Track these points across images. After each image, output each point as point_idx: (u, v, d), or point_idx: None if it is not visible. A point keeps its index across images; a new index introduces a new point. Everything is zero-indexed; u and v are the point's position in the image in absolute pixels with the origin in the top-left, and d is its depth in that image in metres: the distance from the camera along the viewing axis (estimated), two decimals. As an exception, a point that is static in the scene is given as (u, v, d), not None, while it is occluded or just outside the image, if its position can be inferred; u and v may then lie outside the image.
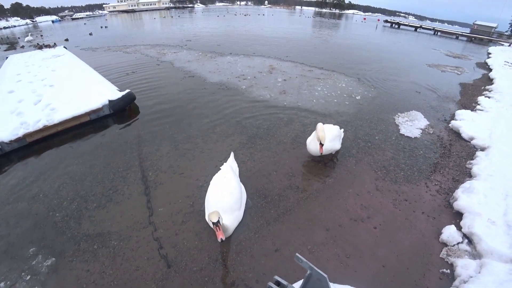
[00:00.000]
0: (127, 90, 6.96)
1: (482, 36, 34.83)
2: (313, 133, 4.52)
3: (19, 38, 25.81)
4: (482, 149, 5.31)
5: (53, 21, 56.17)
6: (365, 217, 3.62)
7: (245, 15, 54.59)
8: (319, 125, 4.09)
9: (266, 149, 5.15)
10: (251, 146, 5.23)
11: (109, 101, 6.56)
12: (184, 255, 3.05)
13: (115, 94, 6.83)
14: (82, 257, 3.05)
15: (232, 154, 4.02)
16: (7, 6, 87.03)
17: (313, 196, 3.98)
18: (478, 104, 7.83)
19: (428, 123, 6.55)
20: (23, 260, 3.04)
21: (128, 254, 3.06)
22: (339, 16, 74.01)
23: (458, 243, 3.22)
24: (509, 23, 56.48)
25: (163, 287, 2.72)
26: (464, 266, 2.88)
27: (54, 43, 18.11)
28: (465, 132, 5.92)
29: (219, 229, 2.48)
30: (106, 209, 3.74)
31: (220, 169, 3.67)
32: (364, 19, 72.78)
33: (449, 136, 5.99)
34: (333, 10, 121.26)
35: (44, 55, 12.49)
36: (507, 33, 47.79)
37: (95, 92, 7.01)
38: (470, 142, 5.70)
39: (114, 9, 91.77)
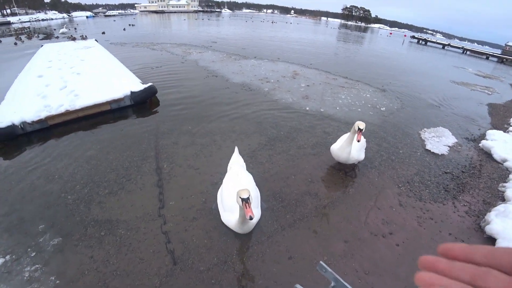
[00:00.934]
0: (150, 83, 7.02)
1: None
2: (339, 140, 4.35)
3: (54, 29, 27.11)
4: None
5: (87, 17, 58.94)
6: (386, 232, 3.36)
7: (272, 22, 55.43)
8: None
9: (285, 152, 4.98)
10: (270, 148, 5.08)
11: (131, 92, 6.62)
12: (192, 252, 2.91)
13: (138, 86, 6.90)
14: (88, 242, 2.97)
15: (236, 149, 3.85)
16: (47, 0, 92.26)
17: (332, 205, 3.76)
18: (511, 126, 7.43)
19: (456, 140, 6.17)
20: (31, 236, 3.00)
21: (134, 245, 2.96)
22: (365, 30, 73.38)
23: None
24: None
25: (166, 283, 2.59)
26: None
27: (86, 36, 18.90)
28: (497, 153, 5.54)
29: (249, 206, 2.36)
30: (117, 196, 3.68)
31: (229, 167, 3.56)
32: (390, 33, 71.93)
33: (479, 156, 5.61)
34: (359, 23, 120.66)
35: (76, 45, 12.98)
36: None
37: (118, 83, 7.12)
38: (502, 164, 5.32)
39: (145, 9, 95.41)
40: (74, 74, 7.88)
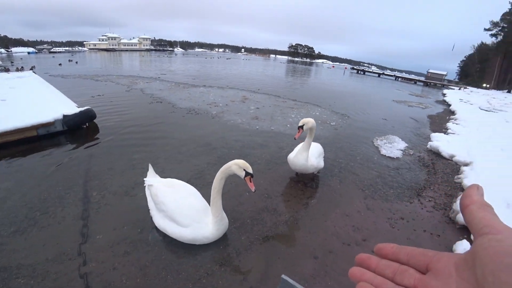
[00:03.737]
0: (87, 107, 6.25)
1: (436, 82, 41.02)
2: (295, 148, 4.11)
3: (-15, 65, 24.36)
4: (465, 165, 5.32)
5: (29, 53, 55.11)
6: (359, 239, 2.98)
7: (227, 58, 58.79)
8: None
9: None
10: (220, 167, 4.55)
11: (64, 115, 5.79)
12: (121, 297, 2.17)
13: (72, 109, 6.09)
14: (-39, 303, 2.06)
15: (150, 167, 3.22)
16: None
17: (294, 219, 3.31)
18: (449, 129, 8.36)
19: (406, 145, 6.52)
20: None
21: (36, 297, 2.12)
22: (310, 64, 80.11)
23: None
24: (456, 72, 68.80)
25: None
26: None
27: (22, 67, 17.35)
28: (445, 151, 6.00)
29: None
30: (26, 235, 2.79)
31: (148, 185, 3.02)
32: (333, 66, 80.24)
33: (429, 155, 5.98)
34: (305, 59, 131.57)
35: (8, 76, 11.47)
36: (455, 80, 56.40)
37: (49, 107, 6.20)
38: (451, 159, 5.72)
39: (95, 47, 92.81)
40: (-4, 101, 6.69)
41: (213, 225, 2.63)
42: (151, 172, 3.16)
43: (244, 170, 2.45)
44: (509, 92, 34.24)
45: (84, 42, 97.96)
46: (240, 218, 3.24)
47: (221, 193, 2.63)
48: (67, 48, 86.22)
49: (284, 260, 2.66)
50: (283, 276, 0.55)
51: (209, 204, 2.78)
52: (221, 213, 2.65)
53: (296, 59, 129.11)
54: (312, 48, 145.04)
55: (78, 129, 6.06)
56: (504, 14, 40.67)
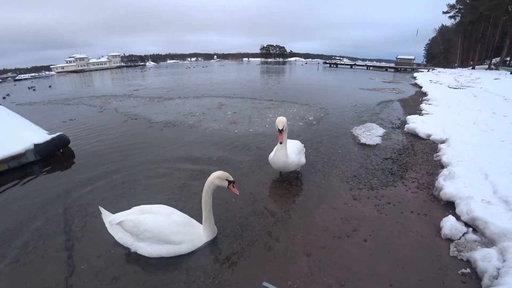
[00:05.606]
0: (59, 133, 6.01)
1: (405, 66, 42.89)
2: (275, 148, 4.08)
3: None
4: (442, 142, 5.50)
5: None
6: (350, 231, 3.00)
7: (203, 66, 59.53)
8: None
9: (221, 176, 4.47)
10: (203, 176, 4.46)
11: (35, 145, 5.53)
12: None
13: (43, 137, 5.82)
14: None
15: (102, 209, 2.98)
16: None
17: (283, 219, 3.30)
18: (423, 110, 8.69)
19: (384, 131, 6.68)
20: None
21: None
22: (283, 63, 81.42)
23: (463, 234, 2.76)
24: (423, 55, 74.53)
25: None
26: (483, 258, 2.37)
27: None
28: (422, 131, 6.21)
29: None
30: (3, 276, 2.61)
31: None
32: (306, 63, 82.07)
33: (407, 138, 6.17)
34: (278, 59, 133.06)
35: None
36: (423, 63, 59.20)
37: (17, 137, 5.89)
38: (428, 139, 5.94)
39: (63, 70, 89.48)
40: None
41: (205, 235, 2.85)
42: (105, 213, 2.95)
43: (226, 180, 2.67)
44: (473, 68, 36.19)
45: (51, 66, 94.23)
46: (228, 226, 3.19)
47: (212, 210, 2.82)
48: (33, 74, 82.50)
49: (278, 262, 2.63)
50: (264, 283, 0.53)
51: (190, 217, 2.96)
52: (213, 228, 2.90)
53: (269, 59, 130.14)
54: (283, 47, 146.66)
55: (52, 156, 5.80)
56: (459, -4, 43.11)
